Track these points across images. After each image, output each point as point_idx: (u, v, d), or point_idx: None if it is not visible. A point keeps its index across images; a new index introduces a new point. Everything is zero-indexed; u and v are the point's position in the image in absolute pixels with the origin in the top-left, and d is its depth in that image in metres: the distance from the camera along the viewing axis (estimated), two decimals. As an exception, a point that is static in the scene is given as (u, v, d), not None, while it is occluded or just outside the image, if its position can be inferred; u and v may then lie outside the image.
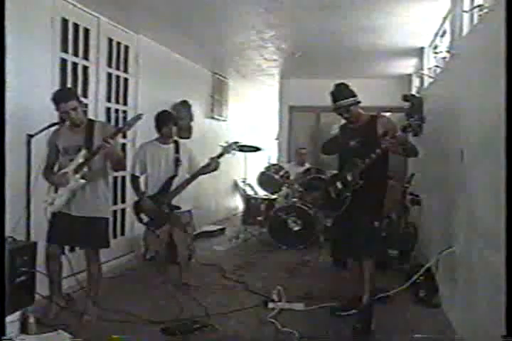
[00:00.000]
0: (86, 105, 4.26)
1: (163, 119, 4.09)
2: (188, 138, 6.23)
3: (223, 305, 3.76)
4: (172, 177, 4.02)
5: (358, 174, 3.30)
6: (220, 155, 4.08)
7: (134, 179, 4.11)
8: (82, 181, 3.16)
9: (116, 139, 3.20)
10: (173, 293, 3.93)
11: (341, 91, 3.44)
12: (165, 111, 4.29)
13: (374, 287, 3.47)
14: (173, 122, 4.12)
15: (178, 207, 4.02)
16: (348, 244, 3.45)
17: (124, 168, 3.59)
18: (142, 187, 4.15)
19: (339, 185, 3.45)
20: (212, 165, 4.03)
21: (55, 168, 3.33)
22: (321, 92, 7.63)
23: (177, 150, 4.10)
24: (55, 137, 3.32)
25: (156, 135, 4.14)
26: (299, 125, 8.58)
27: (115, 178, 4.91)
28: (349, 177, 3.36)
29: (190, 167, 4.13)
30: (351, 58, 6.35)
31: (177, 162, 4.05)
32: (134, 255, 5.21)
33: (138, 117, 3.23)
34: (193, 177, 4.06)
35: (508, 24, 1.90)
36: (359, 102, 3.44)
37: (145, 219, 4.06)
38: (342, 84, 3.49)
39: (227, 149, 4.15)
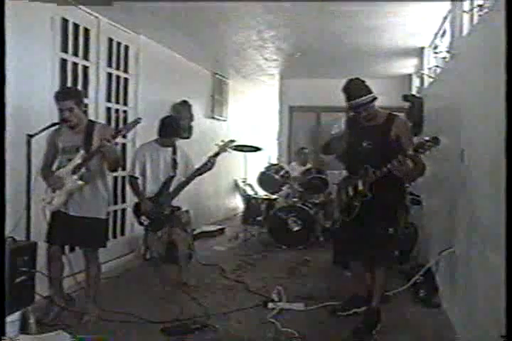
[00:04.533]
0: (86, 105, 4.24)
1: (166, 130, 4.08)
2: (187, 138, 6.24)
3: (223, 305, 3.76)
4: (171, 178, 4.06)
5: (368, 185, 3.14)
6: (217, 154, 4.12)
7: (134, 180, 4.11)
8: (80, 182, 3.16)
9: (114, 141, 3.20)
10: (173, 293, 3.93)
11: (357, 88, 3.16)
12: (171, 118, 4.30)
13: (384, 293, 3.44)
14: (176, 134, 4.15)
15: (179, 208, 4.07)
16: (359, 248, 3.32)
17: (119, 167, 3.56)
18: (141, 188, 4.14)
19: (351, 191, 3.30)
20: (209, 165, 4.05)
21: (54, 167, 3.32)
22: (321, 92, 7.80)
23: (174, 152, 4.14)
24: (55, 136, 3.31)
25: (155, 135, 4.14)
26: (300, 125, 8.59)
27: (115, 178, 4.91)
28: (360, 187, 3.19)
29: (185, 169, 4.16)
30: (351, 58, 6.34)
31: (174, 163, 4.09)
32: (134, 255, 5.21)
33: (136, 122, 3.28)
34: (190, 178, 4.10)
35: (508, 24, 1.90)
36: (376, 98, 3.19)
37: (146, 221, 4.08)
38: (357, 79, 3.21)
39: (223, 148, 4.18)
